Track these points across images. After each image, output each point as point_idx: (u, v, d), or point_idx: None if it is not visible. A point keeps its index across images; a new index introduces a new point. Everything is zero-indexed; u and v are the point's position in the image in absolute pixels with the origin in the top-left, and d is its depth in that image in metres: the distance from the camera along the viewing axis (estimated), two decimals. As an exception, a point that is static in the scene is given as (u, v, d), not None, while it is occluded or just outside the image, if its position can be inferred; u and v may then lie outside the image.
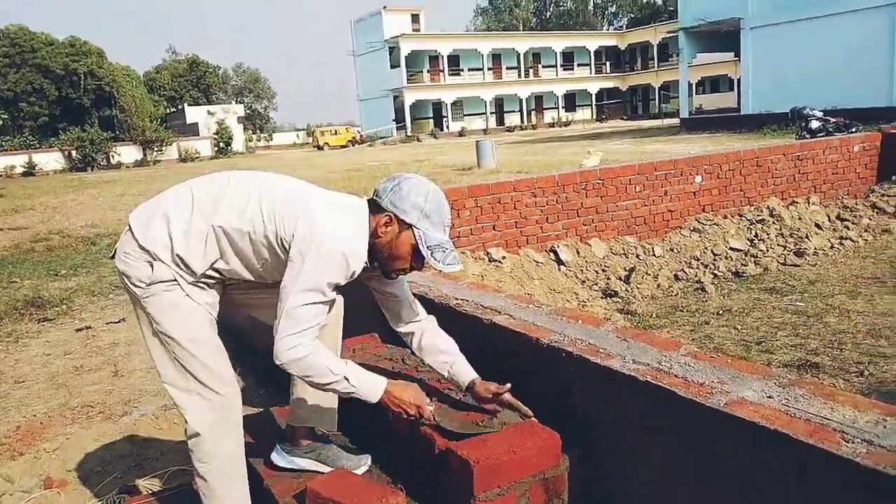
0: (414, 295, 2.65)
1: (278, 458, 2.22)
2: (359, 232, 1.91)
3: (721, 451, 1.52)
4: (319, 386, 1.89)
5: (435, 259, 1.88)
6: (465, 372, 2.10)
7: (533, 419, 1.92)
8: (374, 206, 1.95)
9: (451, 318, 2.42)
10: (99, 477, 3.33)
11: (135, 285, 1.96)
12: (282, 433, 2.30)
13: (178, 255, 1.92)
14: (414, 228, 1.90)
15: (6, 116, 47.16)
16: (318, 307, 1.85)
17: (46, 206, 18.05)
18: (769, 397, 1.53)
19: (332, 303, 1.92)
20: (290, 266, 1.85)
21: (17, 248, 11.02)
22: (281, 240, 1.88)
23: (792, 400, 1.51)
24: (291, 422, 2.25)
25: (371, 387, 1.91)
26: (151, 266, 1.93)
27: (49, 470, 3.45)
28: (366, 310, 3.02)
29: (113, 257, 2.02)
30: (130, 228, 1.96)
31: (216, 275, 1.99)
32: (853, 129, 14.17)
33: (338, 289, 1.90)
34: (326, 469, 2.13)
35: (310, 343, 1.84)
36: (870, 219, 8.14)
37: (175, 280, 1.94)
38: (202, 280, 1.98)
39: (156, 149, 45.28)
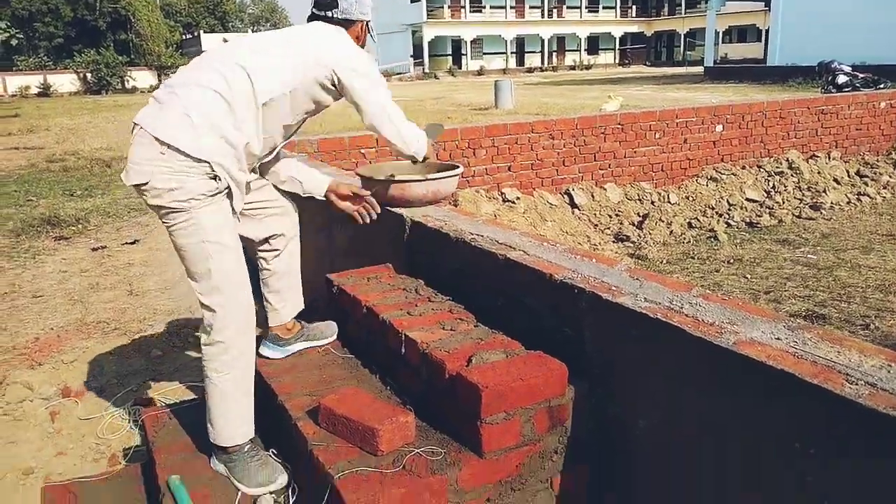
0: (428, 229, 2.68)
1: (270, 351, 2.46)
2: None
3: (728, 390, 1.55)
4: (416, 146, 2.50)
5: (372, 38, 2.43)
6: (321, 180, 2.47)
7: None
8: (346, 22, 2.29)
9: (465, 253, 2.45)
10: (115, 389, 3.44)
11: (192, 200, 1.94)
12: (267, 334, 2.51)
13: (241, 155, 2.03)
14: (367, 23, 2.36)
15: (21, 36, 46.64)
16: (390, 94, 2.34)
17: (62, 128, 18.05)
18: (777, 339, 1.55)
19: None
20: (356, 87, 2.20)
21: (33, 168, 11.09)
22: (321, 74, 2.14)
23: (800, 343, 1.53)
24: (273, 323, 2.52)
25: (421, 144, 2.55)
26: (216, 178, 1.96)
27: (67, 380, 3.56)
28: (381, 241, 3.05)
29: (141, 186, 1.95)
30: (171, 146, 1.90)
31: (260, 148, 2.13)
32: (881, 86, 13.83)
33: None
34: (316, 344, 2.52)
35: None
36: (890, 176, 8.04)
37: (228, 189, 2.01)
38: (245, 167, 2.09)
39: (171, 74, 44.72)
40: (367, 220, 2.53)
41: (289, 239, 2.49)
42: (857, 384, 1.33)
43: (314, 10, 2.31)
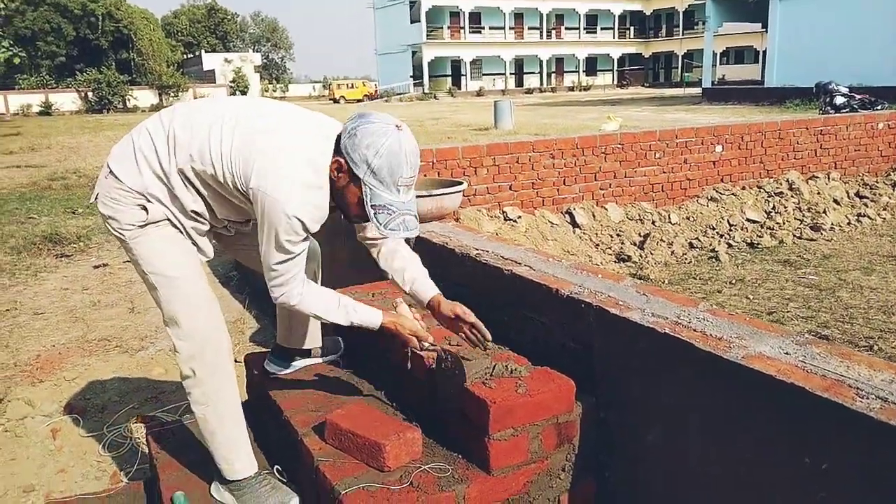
0: (433, 245, 2.68)
1: (275, 367, 2.45)
2: (320, 183, 1.79)
3: (737, 404, 1.55)
4: (322, 320, 1.97)
5: (378, 221, 1.75)
6: (427, 287, 2.07)
7: (548, 369, 1.95)
8: (337, 143, 1.80)
9: (470, 268, 2.45)
10: (116, 406, 3.43)
11: (124, 229, 1.90)
12: (274, 348, 2.50)
13: (172, 194, 1.89)
14: (362, 183, 1.75)
15: (23, 55, 46.92)
16: (290, 262, 1.83)
17: (63, 146, 18.11)
18: (786, 353, 1.55)
19: (305, 249, 1.88)
20: (258, 219, 1.80)
21: (34, 186, 11.11)
22: (239, 188, 1.81)
23: (809, 357, 1.53)
24: (280, 341, 2.47)
25: (371, 315, 1.96)
26: (145, 209, 1.88)
27: (68, 397, 3.54)
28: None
29: (94, 202, 1.95)
30: (112, 171, 1.88)
31: (206, 214, 1.96)
32: (879, 107, 13.93)
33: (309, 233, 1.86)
34: (322, 360, 2.48)
35: (299, 288, 1.88)
36: (890, 197, 8.07)
37: (167, 219, 1.92)
38: (193, 216, 1.95)
39: (171, 94, 45.14)
40: (478, 346, 2.01)
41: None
42: (867, 398, 1.33)
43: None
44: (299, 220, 1.76)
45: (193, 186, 1.89)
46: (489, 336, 1.96)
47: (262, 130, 1.84)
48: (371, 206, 1.76)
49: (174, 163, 1.86)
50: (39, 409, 3.42)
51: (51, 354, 4.14)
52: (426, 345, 1.98)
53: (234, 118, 1.86)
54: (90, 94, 42.29)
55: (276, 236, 1.77)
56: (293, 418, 2.10)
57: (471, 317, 1.97)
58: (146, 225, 1.90)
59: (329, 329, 2.72)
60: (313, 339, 2.52)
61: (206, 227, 2.01)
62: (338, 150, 1.79)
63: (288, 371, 2.47)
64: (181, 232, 1.96)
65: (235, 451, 2.05)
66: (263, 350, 2.65)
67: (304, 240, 1.84)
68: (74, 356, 4.11)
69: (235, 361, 3.91)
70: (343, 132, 1.79)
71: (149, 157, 1.87)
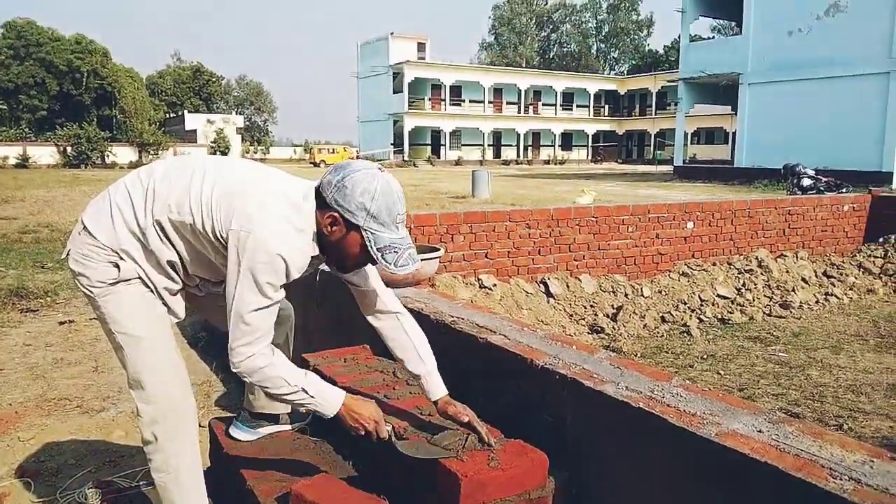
0: (409, 310, 2.67)
1: (240, 433, 2.34)
2: (303, 227, 1.79)
3: (710, 481, 1.53)
4: (275, 396, 1.84)
5: (386, 262, 1.77)
6: (436, 386, 2.01)
7: (521, 442, 1.92)
8: (320, 200, 1.79)
9: (445, 335, 2.44)
10: (72, 470, 3.29)
11: (94, 286, 1.88)
12: (239, 413, 2.42)
13: (147, 249, 1.88)
14: (362, 230, 1.76)
15: (5, 107, 47.05)
16: (264, 312, 1.77)
17: (37, 199, 17.94)
18: (759, 431, 1.55)
19: (279, 303, 1.84)
20: (229, 269, 1.76)
21: (4, 238, 10.94)
22: (217, 235, 1.80)
23: (781, 436, 1.53)
24: (249, 408, 2.38)
25: (329, 399, 1.84)
26: (118, 266, 1.87)
27: (21, 459, 3.40)
28: (357, 321, 3.03)
29: (66, 258, 1.93)
30: (86, 227, 1.87)
31: (179, 269, 1.94)
32: (843, 190, 14.40)
33: (285, 287, 1.82)
34: (288, 428, 2.40)
35: (265, 351, 1.79)
36: (856, 277, 8.25)
37: (139, 277, 1.90)
38: (165, 274, 1.93)
39: (152, 152, 45.26)
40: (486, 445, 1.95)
41: (281, 343, 2.33)
42: (840, 479, 1.33)
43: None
44: (283, 259, 1.73)
45: (169, 240, 1.88)
46: (492, 442, 1.89)
47: (243, 179, 1.85)
48: (377, 249, 1.77)
49: (150, 215, 1.85)
50: (-10, 471, 3.27)
51: (7, 413, 3.99)
52: (385, 434, 1.91)
53: (215, 168, 1.88)
54: (69, 149, 42.24)
55: (254, 279, 1.72)
56: (256, 487, 2.03)
57: (481, 427, 1.91)
58: (117, 283, 1.88)
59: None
60: (283, 406, 2.43)
61: (178, 287, 1.98)
62: (324, 206, 1.79)
63: (253, 437, 2.40)
64: (152, 292, 1.94)
65: None
66: (229, 415, 2.58)
67: (282, 288, 1.80)
68: (32, 415, 3.96)
69: (199, 426, 3.80)
70: (326, 186, 1.78)
71: (125, 211, 1.86)
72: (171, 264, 1.92)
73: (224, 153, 48.77)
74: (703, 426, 1.57)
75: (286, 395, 1.82)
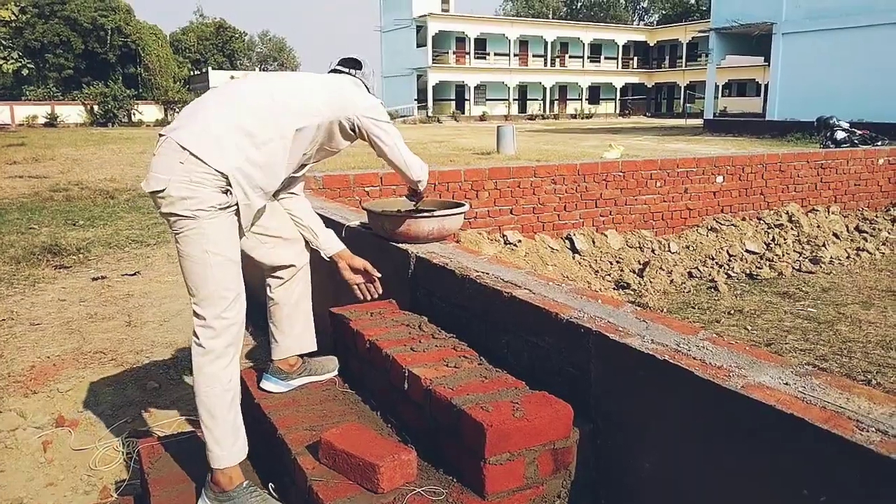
0: (434, 265, 2.68)
1: (272, 385, 2.46)
2: None
3: (735, 433, 1.54)
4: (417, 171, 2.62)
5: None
6: (334, 241, 2.55)
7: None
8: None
9: (470, 289, 2.45)
10: (109, 420, 3.40)
11: (202, 209, 1.99)
12: (270, 367, 2.51)
13: (260, 175, 2.10)
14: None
15: (32, 66, 47.33)
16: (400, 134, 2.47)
17: (67, 158, 18.18)
18: (786, 384, 1.54)
19: None
20: (370, 129, 2.36)
21: (36, 196, 11.13)
22: (346, 118, 2.30)
23: (808, 388, 1.52)
24: (276, 356, 2.51)
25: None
26: (227, 192, 2.02)
27: (61, 409, 3.52)
28: (385, 276, 3.05)
29: (159, 189, 1.99)
30: (193, 153, 1.97)
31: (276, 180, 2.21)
32: (879, 143, 14.03)
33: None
34: (318, 378, 2.53)
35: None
36: (889, 232, 8.09)
37: (236, 205, 2.05)
38: (262, 194, 2.16)
39: (177, 109, 45.40)
40: (368, 298, 2.61)
41: (297, 270, 2.50)
42: (867, 431, 1.32)
43: (339, 66, 2.49)
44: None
45: (302, 140, 2.23)
46: (380, 290, 2.60)
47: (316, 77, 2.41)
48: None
49: (275, 128, 2.13)
50: (31, 421, 3.39)
51: (45, 366, 4.12)
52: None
53: (295, 77, 2.41)
54: (96, 108, 42.57)
55: (387, 125, 2.42)
56: (287, 436, 2.08)
57: (376, 274, 2.58)
58: (224, 208, 2.03)
59: (326, 347, 2.71)
60: (309, 341, 2.58)
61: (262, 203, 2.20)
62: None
63: (286, 389, 2.46)
64: (238, 221, 2.11)
65: (232, 436, 2.07)
66: (259, 367, 2.63)
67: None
68: (69, 368, 4.09)
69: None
70: (358, 74, 2.48)
71: (254, 132, 2.08)
72: (276, 172, 2.18)
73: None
74: (729, 379, 1.57)
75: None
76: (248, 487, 2.06)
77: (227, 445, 2.05)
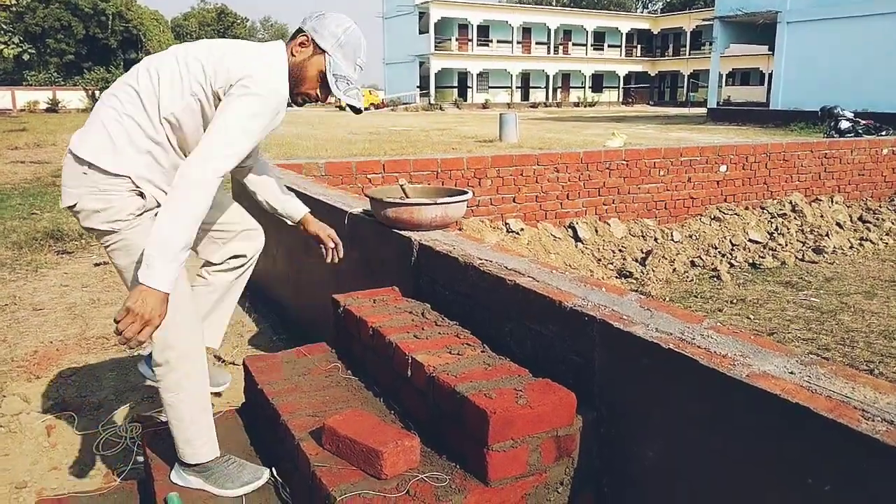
0: (437, 253, 2.68)
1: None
2: (281, 69, 1.95)
3: (740, 422, 1.53)
4: (173, 214, 1.73)
5: (338, 87, 1.97)
6: (298, 207, 2.45)
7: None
8: (294, 35, 2.02)
9: (473, 277, 2.44)
10: (112, 404, 3.41)
11: (120, 219, 1.88)
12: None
13: (159, 163, 1.91)
14: (326, 54, 1.97)
15: (33, 51, 47.17)
16: (246, 143, 1.84)
17: (68, 143, 18.13)
18: (791, 373, 1.54)
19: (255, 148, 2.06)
20: (230, 99, 1.84)
21: (38, 181, 11.12)
22: (226, 86, 1.87)
23: (813, 377, 1.52)
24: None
25: (166, 272, 1.71)
26: (142, 195, 1.87)
27: (64, 394, 3.53)
28: (388, 263, 3.05)
29: (71, 204, 1.89)
30: (93, 164, 1.83)
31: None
32: (883, 133, 13.98)
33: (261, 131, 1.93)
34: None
35: (218, 181, 1.81)
36: (892, 223, 8.07)
37: (158, 204, 1.90)
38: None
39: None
40: (332, 260, 2.56)
41: (246, 261, 2.40)
42: (873, 420, 1.32)
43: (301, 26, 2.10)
44: (277, 100, 1.90)
45: (182, 132, 1.93)
46: (341, 254, 2.55)
47: (223, 44, 1.99)
48: (333, 74, 1.98)
49: (158, 117, 1.88)
50: (35, 406, 3.40)
51: (48, 351, 4.13)
52: (143, 339, 1.80)
53: (193, 48, 1.98)
54: (97, 93, 42.43)
55: (252, 109, 1.84)
56: (290, 422, 2.08)
57: (337, 239, 2.54)
58: (143, 212, 1.90)
59: (327, 335, 2.71)
60: (215, 337, 2.43)
61: None
62: (299, 33, 2.01)
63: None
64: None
65: (201, 436, 2.06)
66: (262, 353, 2.63)
67: (260, 133, 1.91)
68: (72, 353, 4.09)
69: (233, 364, 3.90)
70: (307, 19, 2.03)
71: (131, 131, 1.86)
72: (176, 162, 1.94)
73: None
74: (733, 367, 1.57)
75: (176, 227, 1.73)
76: (224, 457, 2.10)
77: (198, 446, 2.06)
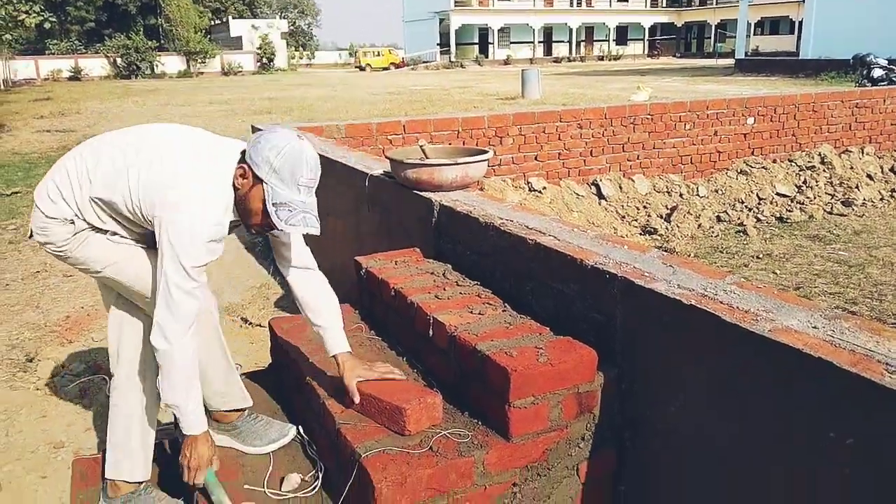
0: (457, 213, 2.67)
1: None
2: (220, 196, 1.83)
3: (762, 377, 1.53)
4: (169, 383, 1.81)
5: (278, 217, 1.80)
6: (335, 344, 2.05)
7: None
8: (241, 156, 1.88)
9: (495, 237, 2.44)
10: (144, 367, 3.48)
11: (62, 245, 1.92)
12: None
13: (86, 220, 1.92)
14: (263, 183, 1.81)
15: (54, 19, 47.24)
16: (190, 298, 1.79)
17: (92, 111, 18.28)
18: (814, 328, 1.52)
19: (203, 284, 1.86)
20: (159, 248, 1.79)
21: (64, 150, 11.20)
22: (144, 216, 1.84)
23: (837, 332, 1.50)
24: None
25: (194, 420, 1.87)
26: (73, 222, 1.90)
27: (96, 357, 3.61)
28: (409, 225, 3.05)
29: (31, 237, 1.96)
30: (37, 206, 1.90)
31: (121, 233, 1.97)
32: (918, 80, 13.53)
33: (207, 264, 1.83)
34: (242, 448, 2.15)
35: (188, 341, 1.81)
36: (926, 173, 7.87)
37: (92, 227, 1.93)
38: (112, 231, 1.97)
39: (199, 60, 45.22)
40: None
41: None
42: (897, 374, 1.31)
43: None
44: (202, 239, 1.78)
45: (105, 213, 1.91)
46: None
47: (166, 161, 1.86)
48: (272, 203, 1.81)
49: (86, 195, 1.88)
50: (69, 369, 3.50)
51: (80, 316, 4.22)
52: (199, 481, 1.90)
53: (143, 153, 1.87)
54: (119, 60, 42.52)
55: (179, 257, 1.76)
56: (315, 382, 2.12)
57: (398, 375, 2.03)
58: (76, 233, 1.91)
59: (349, 295, 2.73)
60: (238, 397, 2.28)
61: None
62: (242, 161, 1.86)
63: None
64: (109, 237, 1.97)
65: (129, 459, 2.05)
66: (287, 315, 2.67)
67: (202, 268, 1.82)
68: (102, 318, 4.17)
69: (259, 326, 3.96)
70: (247, 144, 1.89)
71: (64, 193, 1.88)
72: (114, 230, 1.95)
73: (270, 60, 48.42)
74: (756, 323, 1.55)
75: (173, 393, 1.82)
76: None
77: (123, 464, 2.05)
